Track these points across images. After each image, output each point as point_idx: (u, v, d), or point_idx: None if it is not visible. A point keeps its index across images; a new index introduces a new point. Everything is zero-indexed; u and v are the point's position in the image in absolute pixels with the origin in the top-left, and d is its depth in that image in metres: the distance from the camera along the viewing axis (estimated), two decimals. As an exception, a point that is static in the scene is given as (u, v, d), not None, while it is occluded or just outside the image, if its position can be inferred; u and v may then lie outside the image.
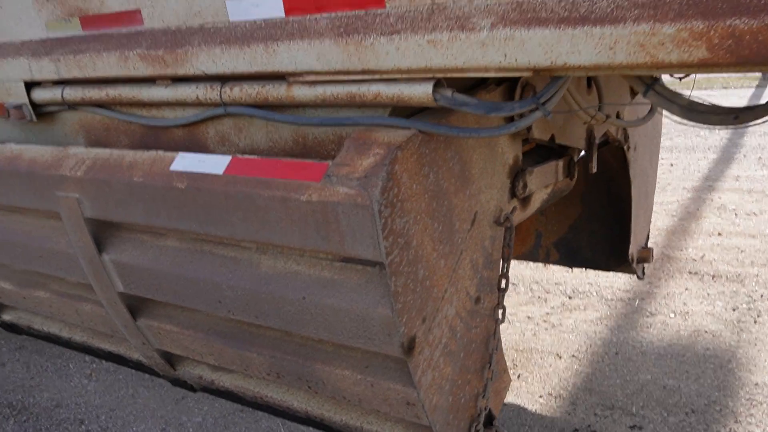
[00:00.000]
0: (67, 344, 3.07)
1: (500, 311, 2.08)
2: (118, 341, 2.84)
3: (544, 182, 2.41)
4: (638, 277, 3.65)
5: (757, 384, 3.21)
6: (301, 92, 1.86)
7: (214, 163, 1.90)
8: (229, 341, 2.20)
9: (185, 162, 1.97)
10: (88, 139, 2.59)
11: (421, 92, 1.65)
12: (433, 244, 1.77)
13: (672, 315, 4.10)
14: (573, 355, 3.68)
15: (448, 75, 1.60)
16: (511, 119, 1.91)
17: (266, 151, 2.12)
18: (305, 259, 1.88)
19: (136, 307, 2.43)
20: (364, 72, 1.72)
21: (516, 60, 1.47)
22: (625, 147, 3.18)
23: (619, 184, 3.36)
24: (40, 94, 2.50)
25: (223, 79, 2.02)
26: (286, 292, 1.86)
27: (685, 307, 4.19)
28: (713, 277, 4.65)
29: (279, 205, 1.72)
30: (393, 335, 1.71)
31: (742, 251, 5.07)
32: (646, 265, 3.77)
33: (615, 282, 4.65)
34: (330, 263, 1.84)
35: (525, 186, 2.19)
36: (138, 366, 2.85)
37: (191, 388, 2.71)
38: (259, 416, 3.21)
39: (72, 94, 2.40)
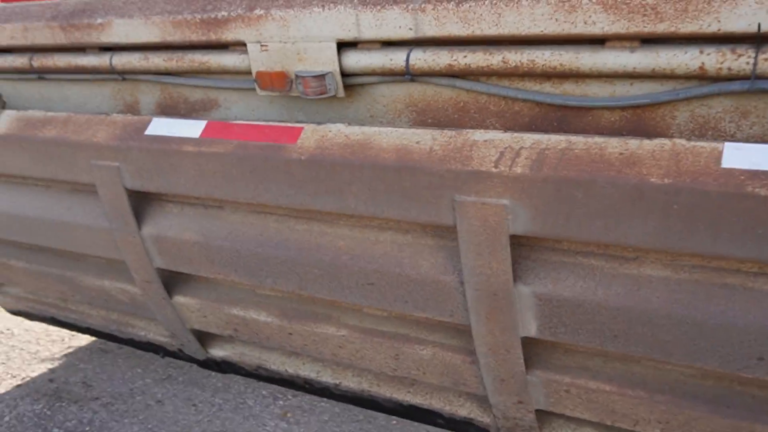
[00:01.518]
0: (324, 392, 2.41)
1: None
2: (432, 392, 2.19)
3: None
4: None
5: None
6: None
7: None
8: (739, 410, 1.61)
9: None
10: (417, 121, 1.92)
11: None
12: None
13: None
14: None
15: None
16: None
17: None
18: None
19: (536, 355, 1.80)
20: None
21: None
22: None
23: None
24: (361, 60, 1.82)
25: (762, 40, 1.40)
26: None
27: None
28: None
29: None
30: None
31: None
32: None
33: None
34: None
35: None
36: (452, 424, 2.21)
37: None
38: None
39: (428, 59, 1.73)
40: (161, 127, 2.07)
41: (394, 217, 1.73)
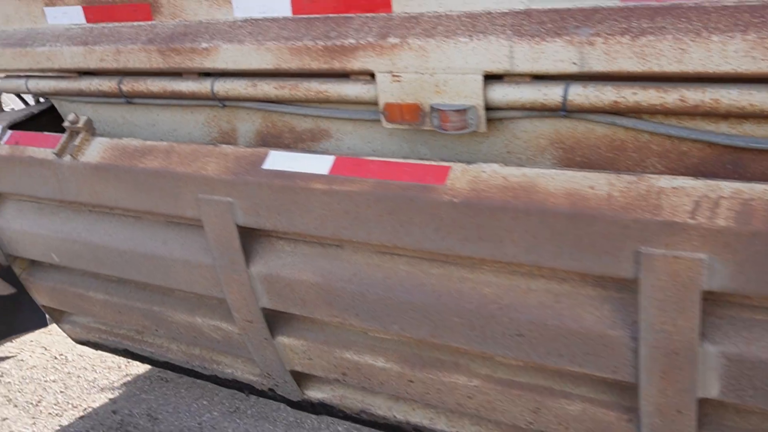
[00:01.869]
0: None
1: None
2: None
3: None
4: None
5: None
6: None
7: None
8: None
9: None
10: (563, 159, 1.78)
11: None
12: None
13: None
14: None
15: None
16: None
17: None
18: None
19: (706, 415, 1.66)
20: None
21: None
22: None
23: None
24: (509, 94, 1.67)
25: None
26: None
27: None
28: None
29: None
30: None
31: None
32: None
33: None
34: None
35: None
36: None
37: None
38: None
39: (590, 95, 1.59)
40: (281, 161, 1.92)
41: (561, 267, 1.58)
